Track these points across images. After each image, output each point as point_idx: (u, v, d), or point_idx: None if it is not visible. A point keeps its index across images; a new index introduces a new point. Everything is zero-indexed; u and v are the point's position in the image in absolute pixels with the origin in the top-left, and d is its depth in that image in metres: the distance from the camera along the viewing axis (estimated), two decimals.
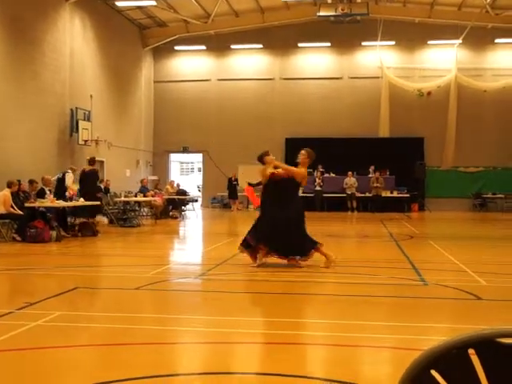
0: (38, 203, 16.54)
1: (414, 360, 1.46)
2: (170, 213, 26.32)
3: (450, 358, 1.42)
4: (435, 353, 1.43)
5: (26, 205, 16.44)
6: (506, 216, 28.79)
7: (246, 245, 11.26)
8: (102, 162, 27.74)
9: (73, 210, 18.00)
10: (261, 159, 11.49)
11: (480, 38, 32.56)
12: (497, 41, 32.94)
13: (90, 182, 19.01)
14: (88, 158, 20.68)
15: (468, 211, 32.27)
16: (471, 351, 1.44)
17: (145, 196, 24.08)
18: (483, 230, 22.44)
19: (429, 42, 33.48)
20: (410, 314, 7.46)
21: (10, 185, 16.39)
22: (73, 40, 25.74)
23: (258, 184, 16.92)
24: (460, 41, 32.25)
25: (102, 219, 20.54)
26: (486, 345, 1.42)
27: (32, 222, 15.67)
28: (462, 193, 32.93)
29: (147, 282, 9.19)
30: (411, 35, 33.22)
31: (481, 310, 7.71)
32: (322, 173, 32.04)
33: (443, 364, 1.43)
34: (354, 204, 31.31)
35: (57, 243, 15.51)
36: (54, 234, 15.95)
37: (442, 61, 33.59)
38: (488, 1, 28.90)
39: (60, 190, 18.51)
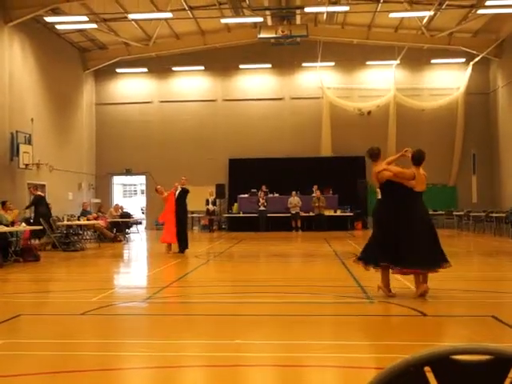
0: None
1: (372, 378, 1.48)
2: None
3: (407, 376, 1.45)
4: (393, 371, 1.46)
5: None
6: (447, 232, 29.32)
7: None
8: (43, 186, 27.31)
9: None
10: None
11: (417, 58, 33.34)
12: (433, 61, 33.77)
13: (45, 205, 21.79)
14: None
15: None
16: (427, 369, 1.47)
17: (87, 219, 23.79)
18: None
19: (367, 63, 34.09)
20: (358, 332, 7.52)
21: None
22: (12, 63, 25.36)
23: None
24: (398, 61, 32.98)
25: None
26: (442, 362, 1.45)
27: None
28: None
29: (92, 307, 9.05)
30: (350, 56, 33.80)
31: (427, 326, 7.82)
32: (266, 193, 32.17)
33: (401, 382, 1.45)
34: (299, 223, 31.47)
35: None
36: None
37: (380, 81, 34.24)
38: (423, 23, 29.62)
39: None
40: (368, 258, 9.83)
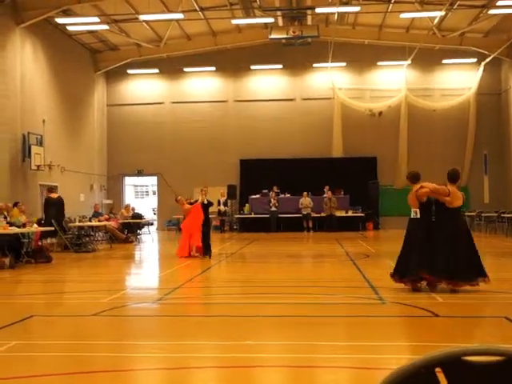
0: None
1: (383, 380, 1.48)
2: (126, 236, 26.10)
3: (418, 377, 1.45)
4: (404, 372, 1.46)
5: None
6: None
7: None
8: (55, 187, 27.40)
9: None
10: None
11: (428, 58, 33.23)
12: (444, 61, 33.65)
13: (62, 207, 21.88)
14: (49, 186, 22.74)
15: None
16: (438, 370, 1.47)
17: (99, 221, 23.86)
18: None
19: (378, 63, 33.99)
20: (370, 332, 7.49)
21: None
22: (23, 65, 25.45)
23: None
24: (409, 62, 32.84)
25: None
26: (453, 363, 1.45)
27: None
28: None
29: (104, 308, 9.07)
30: (361, 57, 33.71)
31: (439, 326, 7.80)
32: (278, 193, 32.16)
33: (412, 383, 1.45)
34: (310, 224, 31.43)
35: (10, 270, 15.22)
36: (7, 261, 15.65)
37: (391, 81, 34.16)
38: (435, 23, 29.51)
39: None
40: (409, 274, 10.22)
